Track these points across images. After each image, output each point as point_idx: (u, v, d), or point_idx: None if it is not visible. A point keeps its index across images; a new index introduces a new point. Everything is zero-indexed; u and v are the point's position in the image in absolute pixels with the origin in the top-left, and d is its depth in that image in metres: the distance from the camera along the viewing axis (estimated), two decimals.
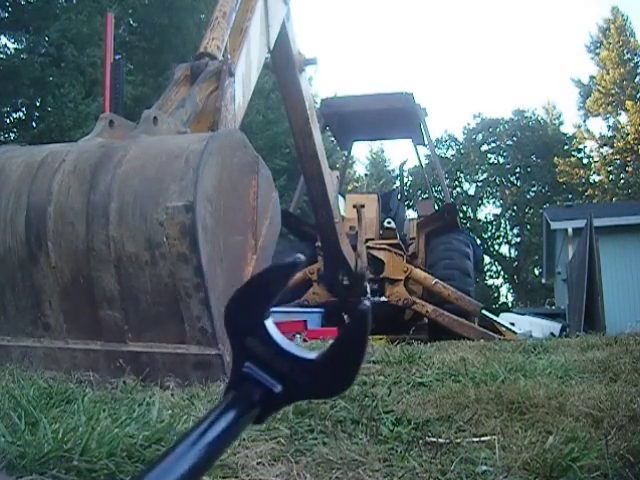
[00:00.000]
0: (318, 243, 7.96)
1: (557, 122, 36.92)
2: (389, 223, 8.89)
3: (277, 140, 19.77)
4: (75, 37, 13.87)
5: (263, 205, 3.10)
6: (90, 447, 1.36)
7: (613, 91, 31.45)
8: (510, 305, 30.09)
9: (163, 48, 17.35)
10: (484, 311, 8.90)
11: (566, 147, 34.25)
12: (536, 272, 33.77)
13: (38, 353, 2.84)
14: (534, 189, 35.89)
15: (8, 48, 14.82)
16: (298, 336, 5.15)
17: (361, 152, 54.63)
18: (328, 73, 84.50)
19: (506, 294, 36.49)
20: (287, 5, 5.20)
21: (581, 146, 34.09)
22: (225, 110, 3.69)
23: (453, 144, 36.91)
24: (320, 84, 30.76)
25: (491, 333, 7.79)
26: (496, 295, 34.98)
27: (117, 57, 7.60)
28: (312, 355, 0.61)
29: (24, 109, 15.70)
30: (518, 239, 36.16)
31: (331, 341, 0.62)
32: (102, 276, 2.70)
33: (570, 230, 15.69)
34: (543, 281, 24.69)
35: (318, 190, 6.49)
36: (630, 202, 24.29)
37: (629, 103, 30.12)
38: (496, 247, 36.43)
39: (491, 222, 37.03)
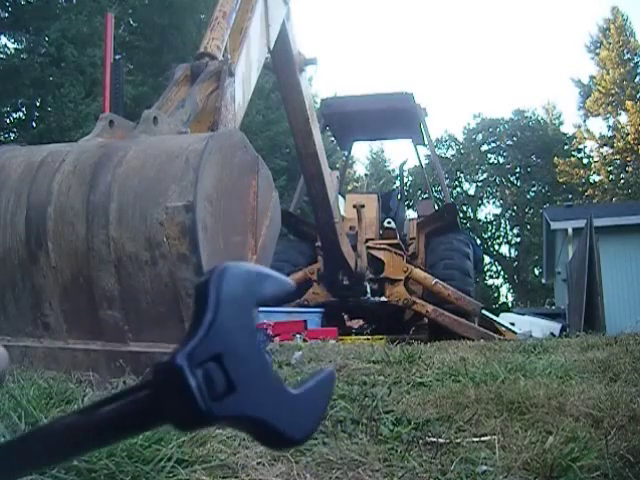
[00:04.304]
0: (318, 243, 7.95)
1: (557, 122, 36.92)
2: (389, 223, 8.88)
3: (277, 140, 19.76)
4: (75, 37, 13.86)
5: (263, 205, 3.10)
6: None
7: (613, 91, 31.44)
8: (510, 305, 30.02)
9: (163, 48, 17.35)
10: (484, 311, 8.90)
11: (566, 147, 34.23)
12: (536, 272, 33.74)
13: (38, 353, 2.84)
14: (534, 189, 35.89)
15: (8, 48, 14.82)
16: (298, 336, 5.14)
17: (361, 152, 54.60)
18: (328, 73, 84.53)
19: (506, 294, 36.47)
20: (287, 5, 5.20)
21: (581, 146, 34.09)
22: (225, 110, 3.68)
23: (453, 144, 36.89)
24: (320, 84, 30.84)
25: (491, 333, 7.78)
26: (496, 295, 34.94)
27: (117, 57, 7.62)
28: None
29: (24, 109, 15.69)
30: (518, 239, 36.13)
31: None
32: (102, 276, 2.70)
33: (570, 230, 15.67)
34: (543, 281, 24.67)
35: (318, 190, 6.49)
36: (630, 202, 24.26)
37: (629, 103, 30.10)
38: (496, 247, 36.41)
39: (491, 222, 37.02)
